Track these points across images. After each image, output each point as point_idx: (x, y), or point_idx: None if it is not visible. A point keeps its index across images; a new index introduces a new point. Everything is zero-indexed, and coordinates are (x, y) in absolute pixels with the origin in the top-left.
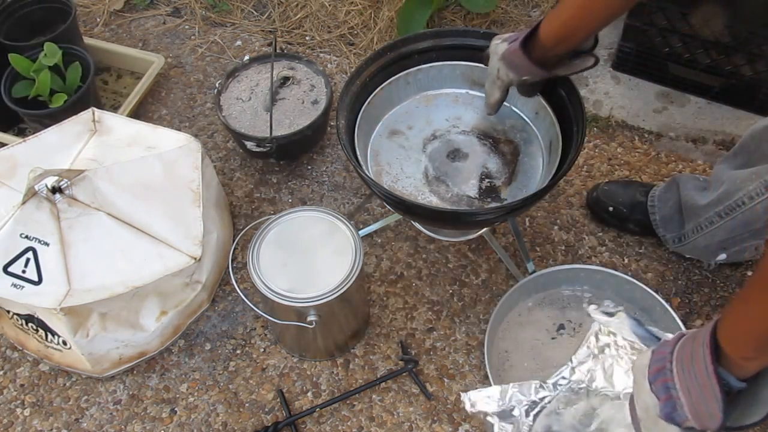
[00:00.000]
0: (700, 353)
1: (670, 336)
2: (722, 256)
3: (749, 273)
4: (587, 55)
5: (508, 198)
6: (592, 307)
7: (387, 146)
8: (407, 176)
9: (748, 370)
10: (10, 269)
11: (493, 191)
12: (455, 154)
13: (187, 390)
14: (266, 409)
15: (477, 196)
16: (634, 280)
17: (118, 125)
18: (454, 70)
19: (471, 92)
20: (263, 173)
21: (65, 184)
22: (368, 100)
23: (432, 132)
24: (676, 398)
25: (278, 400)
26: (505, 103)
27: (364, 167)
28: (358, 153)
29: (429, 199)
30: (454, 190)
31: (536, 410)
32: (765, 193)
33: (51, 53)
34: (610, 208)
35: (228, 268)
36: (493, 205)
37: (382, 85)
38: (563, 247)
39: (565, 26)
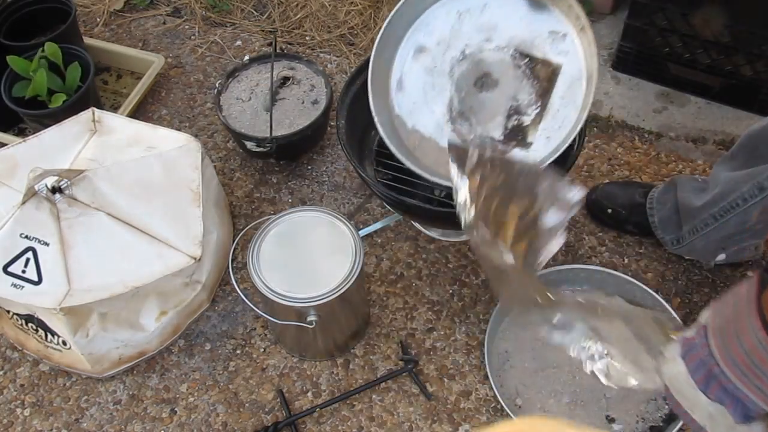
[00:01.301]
0: (756, 343)
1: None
2: (722, 257)
3: (749, 273)
4: None
5: (534, 143)
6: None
7: (412, 70)
8: (431, 110)
9: None
10: (9, 269)
11: (520, 132)
12: (484, 81)
13: (187, 390)
14: (266, 409)
15: (502, 137)
16: (634, 280)
17: (118, 125)
18: None
19: None
20: (263, 173)
21: (65, 184)
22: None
23: (462, 49)
24: (744, 398)
25: (278, 400)
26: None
27: (390, 106)
28: (372, 104)
29: (445, 142)
30: (477, 130)
31: None
32: (758, 195)
33: (51, 53)
34: (609, 210)
35: (228, 268)
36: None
37: None
38: (563, 247)
39: None
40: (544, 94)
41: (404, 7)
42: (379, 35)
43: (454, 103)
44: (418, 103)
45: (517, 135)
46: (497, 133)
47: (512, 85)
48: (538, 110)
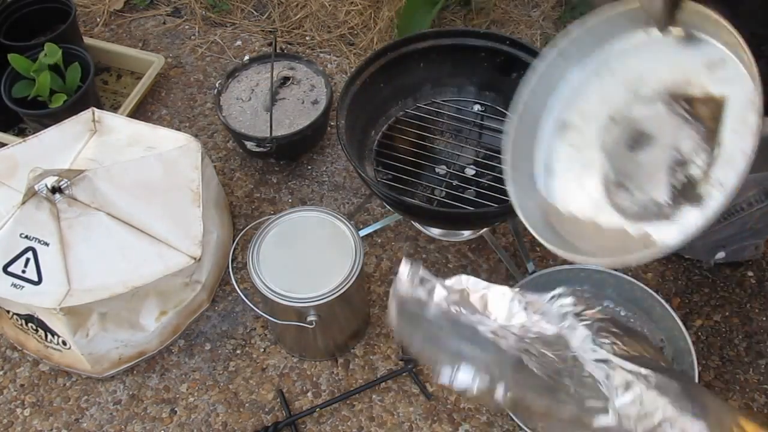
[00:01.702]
0: None
1: None
2: (721, 254)
3: (749, 273)
4: None
5: (713, 194)
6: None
7: (559, 150)
8: (584, 189)
9: None
10: (9, 269)
11: (691, 188)
12: (638, 141)
13: (187, 390)
14: (266, 409)
15: (669, 200)
16: (634, 280)
17: (118, 125)
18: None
19: (648, 30)
20: (263, 173)
21: (65, 184)
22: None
23: (608, 114)
24: None
25: (278, 400)
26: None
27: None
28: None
29: (609, 219)
30: (638, 197)
31: None
32: (765, 200)
33: (51, 53)
34: None
35: (228, 268)
36: (495, 206)
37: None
38: None
39: None
40: (711, 135)
41: (537, 84)
42: (514, 122)
43: (610, 175)
44: (570, 184)
45: (688, 193)
46: (663, 196)
47: (671, 135)
48: (707, 155)
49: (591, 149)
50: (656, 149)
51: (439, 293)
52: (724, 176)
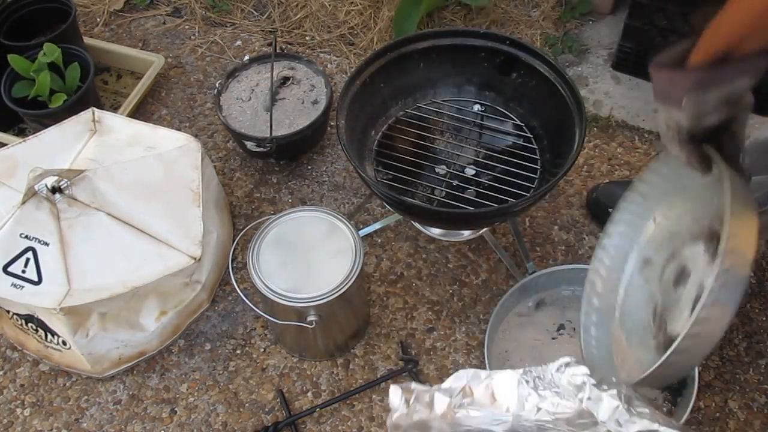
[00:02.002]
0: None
1: None
2: None
3: (750, 273)
4: None
5: None
6: None
7: (637, 285)
8: (641, 320)
9: None
10: (9, 269)
11: None
12: (680, 277)
13: (187, 390)
14: (266, 409)
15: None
16: None
17: (118, 125)
18: None
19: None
20: (263, 173)
21: (65, 184)
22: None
23: (672, 249)
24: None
25: (278, 400)
26: None
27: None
28: None
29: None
30: (667, 329)
31: None
32: (767, 204)
33: (51, 53)
34: (610, 209)
35: (228, 268)
36: (495, 206)
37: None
38: (563, 247)
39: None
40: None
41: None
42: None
43: (658, 308)
44: (635, 319)
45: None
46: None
47: (701, 271)
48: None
49: (655, 282)
50: (690, 285)
51: (440, 402)
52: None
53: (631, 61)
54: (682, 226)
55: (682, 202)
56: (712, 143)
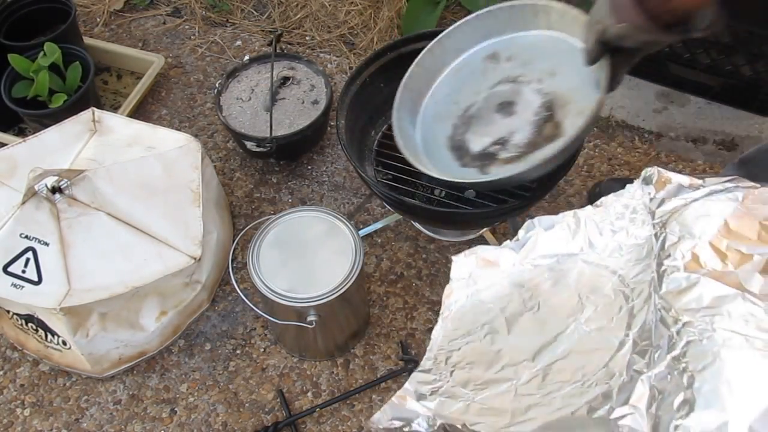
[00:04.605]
0: None
1: None
2: None
3: None
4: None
5: (493, 173)
6: None
7: (473, 67)
8: (456, 103)
9: None
10: (10, 269)
11: (488, 159)
12: (505, 107)
13: (187, 390)
14: (266, 409)
15: (477, 152)
16: None
17: (118, 125)
18: None
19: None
20: (263, 173)
21: (65, 184)
22: None
23: (519, 74)
24: None
25: (278, 400)
26: None
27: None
28: None
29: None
30: (467, 138)
31: None
32: None
33: (51, 53)
34: None
35: (228, 268)
36: (495, 206)
37: None
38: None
39: None
40: (533, 147)
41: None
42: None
43: (472, 109)
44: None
45: (485, 159)
46: (477, 147)
47: (517, 123)
48: (517, 155)
49: (485, 85)
50: (504, 122)
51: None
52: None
53: None
54: (544, 61)
55: (556, 59)
56: (614, 55)
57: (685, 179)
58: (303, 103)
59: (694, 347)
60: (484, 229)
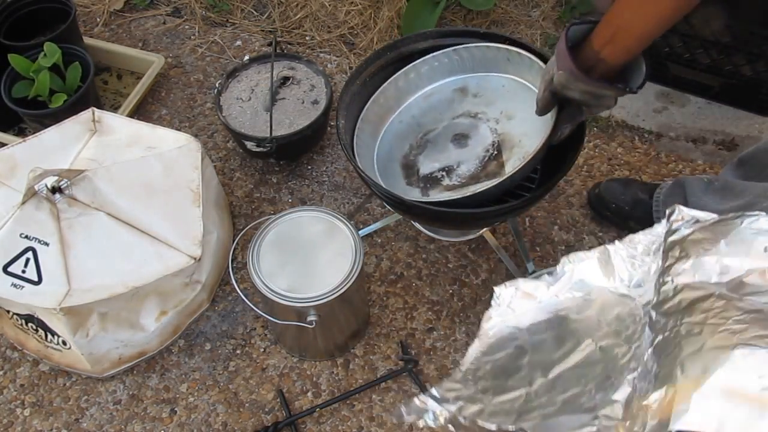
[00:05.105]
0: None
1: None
2: None
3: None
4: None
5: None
6: None
7: (441, 96)
8: (420, 126)
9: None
10: (9, 269)
11: (432, 182)
12: (460, 138)
13: (187, 390)
14: (266, 409)
15: (424, 175)
16: None
17: (118, 125)
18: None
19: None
20: (263, 173)
21: (65, 184)
22: None
23: (478, 111)
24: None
25: (278, 400)
26: None
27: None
28: None
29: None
30: (419, 160)
31: None
32: None
33: (51, 53)
34: (612, 206)
35: (228, 268)
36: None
37: None
38: (563, 247)
39: (610, 23)
40: (474, 180)
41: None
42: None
43: (431, 134)
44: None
45: (429, 182)
46: (426, 170)
47: (466, 156)
48: (458, 185)
49: (446, 115)
50: (454, 153)
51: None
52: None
53: None
54: (505, 102)
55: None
56: (565, 107)
57: (702, 214)
58: (303, 103)
59: (663, 342)
60: (484, 229)
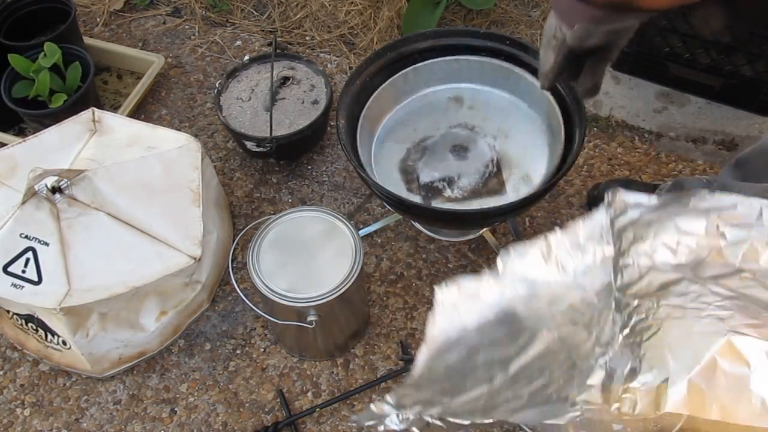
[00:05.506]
0: None
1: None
2: None
3: None
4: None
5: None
6: None
7: (437, 102)
8: (414, 132)
9: None
10: (9, 269)
11: (433, 191)
12: (459, 150)
13: (187, 390)
14: (266, 409)
15: (424, 183)
16: None
17: (118, 125)
18: None
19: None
20: (263, 173)
21: (65, 184)
22: None
23: (476, 125)
24: None
25: (278, 400)
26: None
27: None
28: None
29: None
30: (418, 166)
31: None
32: None
33: (51, 53)
34: None
35: (228, 268)
36: (495, 206)
37: None
38: None
39: None
40: (475, 195)
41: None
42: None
43: (429, 141)
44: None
45: (430, 192)
46: (426, 178)
47: (466, 169)
48: (460, 198)
49: (445, 122)
50: (454, 164)
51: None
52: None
53: (631, 61)
54: (502, 118)
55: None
56: (587, 60)
57: (644, 198)
58: (303, 103)
59: (641, 324)
60: (484, 229)
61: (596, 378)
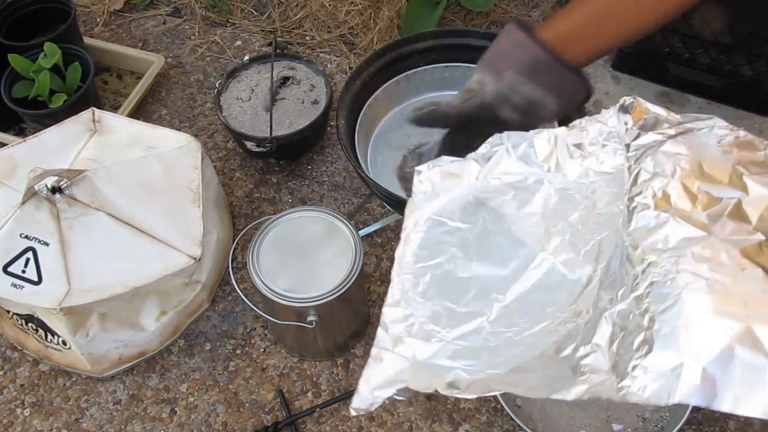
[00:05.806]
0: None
1: None
2: None
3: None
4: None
5: None
6: None
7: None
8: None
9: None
10: (9, 269)
11: None
12: None
13: (187, 390)
14: (266, 409)
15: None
16: None
17: (118, 125)
18: None
19: None
20: (263, 173)
21: (65, 184)
22: None
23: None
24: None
25: (278, 400)
26: None
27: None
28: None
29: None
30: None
31: None
32: None
33: (51, 53)
34: None
35: (228, 268)
36: None
37: None
38: None
39: (583, 14)
40: None
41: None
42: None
43: (424, 148)
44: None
45: None
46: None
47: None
48: None
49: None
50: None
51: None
52: None
53: (631, 61)
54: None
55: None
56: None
57: (662, 111)
58: (303, 103)
59: (657, 288)
60: None
61: (603, 334)
